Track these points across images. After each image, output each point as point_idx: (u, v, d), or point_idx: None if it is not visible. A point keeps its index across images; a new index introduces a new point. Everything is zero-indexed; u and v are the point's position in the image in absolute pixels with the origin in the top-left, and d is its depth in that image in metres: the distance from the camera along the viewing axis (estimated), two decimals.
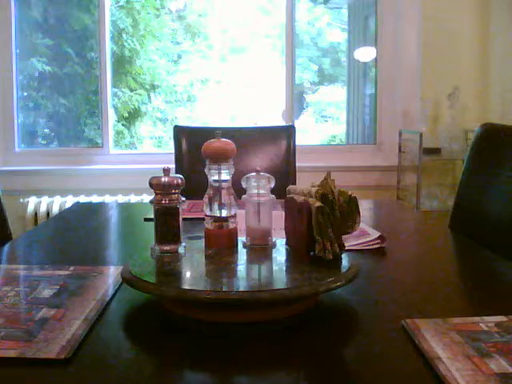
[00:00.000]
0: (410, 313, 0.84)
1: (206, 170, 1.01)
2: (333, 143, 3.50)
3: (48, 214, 2.89)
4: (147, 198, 2.85)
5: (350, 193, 0.92)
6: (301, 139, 2.60)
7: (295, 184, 2.11)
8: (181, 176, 0.98)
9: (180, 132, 2.15)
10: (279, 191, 1.06)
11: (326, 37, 3.47)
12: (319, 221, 0.88)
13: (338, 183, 0.92)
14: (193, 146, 2.10)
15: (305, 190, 0.94)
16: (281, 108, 3.21)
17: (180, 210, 0.97)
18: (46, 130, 3.35)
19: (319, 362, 0.71)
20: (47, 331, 0.76)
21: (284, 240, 1.02)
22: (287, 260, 0.96)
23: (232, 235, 1.01)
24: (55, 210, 2.87)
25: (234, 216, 1.01)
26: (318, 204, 0.88)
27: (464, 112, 2.92)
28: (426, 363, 0.67)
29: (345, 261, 0.91)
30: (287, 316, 0.82)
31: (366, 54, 3.32)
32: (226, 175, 1.00)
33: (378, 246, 1.23)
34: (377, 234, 1.27)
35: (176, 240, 0.96)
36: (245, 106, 3.43)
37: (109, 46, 3.13)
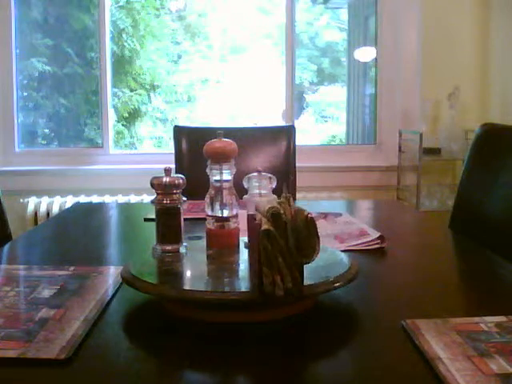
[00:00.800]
0: (410, 313, 0.84)
1: (207, 170, 1.01)
2: (333, 143, 3.50)
3: (48, 214, 2.89)
4: (147, 198, 2.84)
5: (306, 213, 0.75)
6: (301, 139, 2.60)
7: (295, 185, 2.11)
8: (182, 176, 0.98)
9: (180, 132, 2.15)
10: (280, 191, 1.05)
11: (326, 37, 3.47)
12: (266, 248, 0.72)
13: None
14: (193, 146, 2.10)
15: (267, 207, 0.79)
16: (281, 108, 3.21)
17: (181, 210, 0.97)
18: (46, 130, 3.35)
19: (319, 362, 0.71)
20: (47, 331, 0.76)
21: None
22: None
23: (233, 235, 1.01)
24: (55, 210, 2.87)
25: (236, 216, 1.01)
26: (265, 227, 0.72)
27: (464, 112, 2.92)
28: (426, 363, 0.67)
29: (345, 261, 0.91)
30: (287, 316, 0.82)
31: (365, 53, 3.32)
32: (227, 175, 1.00)
33: (378, 246, 1.23)
34: (377, 234, 1.27)
35: (177, 240, 0.97)
36: (245, 106, 3.43)
37: (109, 46, 3.12)
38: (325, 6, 3.41)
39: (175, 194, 0.96)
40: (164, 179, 0.96)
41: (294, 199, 2.07)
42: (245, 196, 1.02)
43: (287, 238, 0.73)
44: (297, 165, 2.13)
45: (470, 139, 1.70)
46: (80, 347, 0.72)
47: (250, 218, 0.83)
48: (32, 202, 2.91)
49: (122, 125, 3.34)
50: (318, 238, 0.75)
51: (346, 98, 3.47)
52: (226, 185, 1.00)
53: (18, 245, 1.39)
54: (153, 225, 0.98)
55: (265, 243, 0.72)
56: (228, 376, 0.68)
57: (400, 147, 2.97)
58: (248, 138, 2.10)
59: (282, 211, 0.74)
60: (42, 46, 3.20)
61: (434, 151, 2.86)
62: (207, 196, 1.01)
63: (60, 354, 0.69)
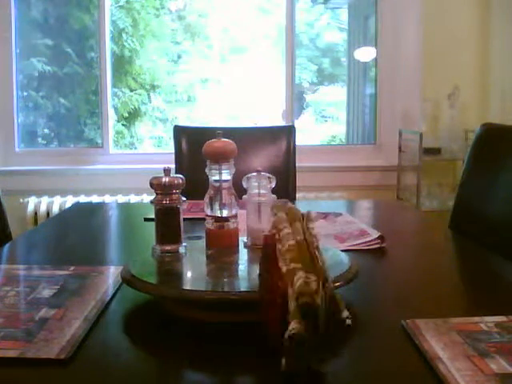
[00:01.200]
0: (410, 313, 0.84)
1: (206, 170, 1.01)
2: (333, 143, 3.50)
3: (48, 214, 2.89)
4: (147, 198, 2.84)
5: (345, 315, 0.66)
6: (301, 139, 2.60)
7: (295, 185, 2.10)
8: (181, 176, 0.98)
9: (180, 132, 2.15)
10: (279, 191, 1.05)
11: (326, 37, 3.47)
12: (293, 351, 0.61)
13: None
14: (193, 146, 2.10)
15: (289, 245, 0.68)
16: (281, 108, 3.21)
17: (181, 210, 0.97)
18: (46, 130, 3.35)
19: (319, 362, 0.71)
20: (47, 331, 0.76)
21: None
22: None
23: (233, 235, 1.01)
24: (55, 210, 2.87)
25: (235, 216, 1.01)
26: (293, 328, 0.60)
27: (464, 112, 2.92)
28: (426, 363, 0.67)
29: (345, 261, 0.91)
30: None
31: (366, 53, 3.32)
32: (226, 175, 1.00)
33: (378, 245, 1.23)
34: (377, 233, 1.27)
35: (177, 240, 0.97)
36: (245, 105, 3.43)
37: (109, 46, 3.12)
38: (325, 6, 3.41)
39: (174, 194, 0.96)
40: (163, 179, 0.96)
41: (294, 199, 2.07)
42: (244, 196, 1.02)
43: (317, 331, 0.62)
44: (297, 165, 2.13)
45: (470, 139, 1.70)
46: (80, 347, 0.72)
47: (270, 243, 0.73)
48: (32, 202, 2.91)
49: (122, 125, 3.34)
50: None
51: (345, 98, 3.47)
52: (225, 185, 1.00)
53: (18, 245, 1.39)
54: (153, 225, 0.98)
55: (292, 347, 0.60)
56: (228, 376, 0.68)
57: (400, 147, 2.97)
58: (248, 138, 2.10)
59: (316, 301, 0.61)
60: (41, 46, 3.20)
61: (434, 151, 2.86)
62: (206, 196, 1.01)
63: (60, 353, 0.69)
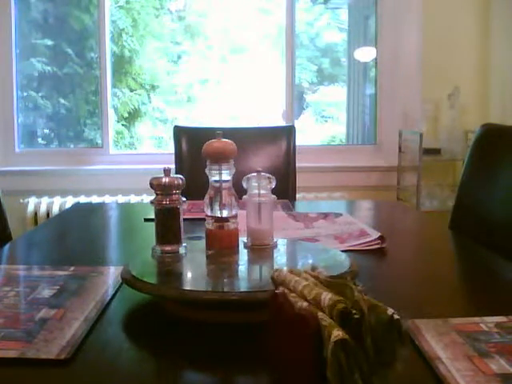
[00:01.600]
0: (410, 313, 0.84)
1: (206, 171, 1.01)
2: (333, 143, 3.50)
3: (48, 214, 2.89)
4: (147, 198, 2.84)
5: (390, 312, 0.57)
6: (301, 139, 2.60)
7: (295, 185, 2.10)
8: (181, 176, 0.98)
9: (180, 132, 2.15)
10: (279, 191, 1.05)
11: (326, 37, 3.47)
12: (340, 362, 0.53)
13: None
14: (193, 146, 2.10)
15: (303, 285, 0.62)
16: (281, 108, 3.21)
17: (181, 211, 0.97)
18: (46, 131, 3.35)
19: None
20: (47, 331, 0.76)
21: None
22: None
23: (233, 235, 1.01)
24: (55, 210, 2.87)
25: (235, 216, 1.01)
26: (338, 335, 0.53)
27: (464, 112, 2.92)
28: (426, 363, 0.67)
29: (345, 261, 0.91)
30: None
31: (366, 53, 3.32)
32: (226, 175, 1.00)
33: (378, 246, 1.23)
34: (377, 234, 1.27)
35: (177, 240, 0.97)
36: (245, 106, 3.43)
37: (109, 46, 3.12)
38: (325, 6, 3.41)
39: (174, 194, 0.96)
40: (163, 179, 0.96)
41: (294, 199, 2.07)
42: (244, 196, 1.02)
43: (364, 344, 0.55)
44: (297, 165, 2.13)
45: (470, 140, 1.70)
46: (80, 347, 0.72)
47: (281, 298, 0.63)
48: (32, 202, 2.91)
49: (122, 125, 3.34)
50: (404, 341, 0.58)
51: (345, 98, 3.47)
52: (225, 185, 1.00)
53: (18, 245, 1.39)
54: (153, 225, 0.98)
55: (340, 356, 0.53)
56: (228, 376, 0.68)
57: (400, 147, 2.97)
58: (248, 138, 2.10)
59: (351, 307, 0.56)
60: (41, 46, 3.20)
61: (434, 151, 2.86)
62: (206, 196, 1.01)
63: (60, 354, 0.69)
